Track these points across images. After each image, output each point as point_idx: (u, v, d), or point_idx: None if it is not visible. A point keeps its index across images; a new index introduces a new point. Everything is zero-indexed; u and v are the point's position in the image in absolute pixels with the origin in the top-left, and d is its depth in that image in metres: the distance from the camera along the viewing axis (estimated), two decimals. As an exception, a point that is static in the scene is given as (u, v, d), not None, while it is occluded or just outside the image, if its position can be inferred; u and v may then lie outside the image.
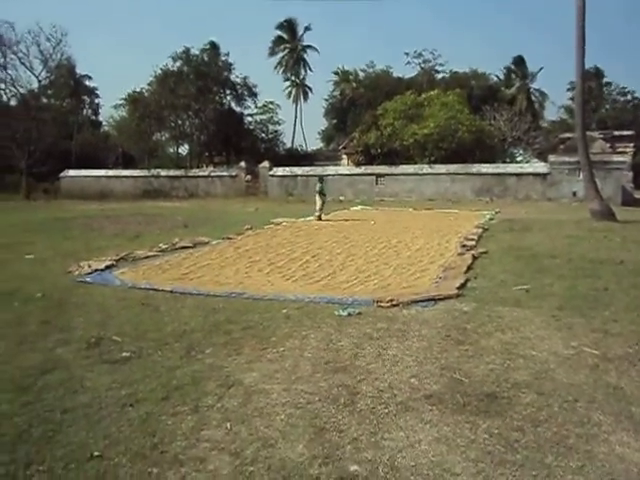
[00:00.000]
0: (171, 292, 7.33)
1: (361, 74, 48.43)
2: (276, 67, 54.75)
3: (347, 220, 18.13)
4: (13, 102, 38.41)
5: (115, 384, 4.17)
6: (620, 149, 32.29)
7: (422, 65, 46.37)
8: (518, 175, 29.25)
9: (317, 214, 18.22)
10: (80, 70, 47.48)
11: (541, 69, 52.31)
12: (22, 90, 37.12)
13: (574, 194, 26.64)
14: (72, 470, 3.01)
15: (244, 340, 5.24)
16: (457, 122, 31.63)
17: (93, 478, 2.95)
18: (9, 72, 35.80)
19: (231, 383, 4.18)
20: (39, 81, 37.26)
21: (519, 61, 52.64)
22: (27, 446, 3.26)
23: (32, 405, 3.81)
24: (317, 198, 18.64)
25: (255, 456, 3.13)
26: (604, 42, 73.79)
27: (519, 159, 37.91)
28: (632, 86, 55.21)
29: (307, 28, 53.39)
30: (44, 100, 40.80)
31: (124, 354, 4.84)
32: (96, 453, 3.16)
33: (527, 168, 30.20)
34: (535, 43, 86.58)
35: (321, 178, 20.35)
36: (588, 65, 38.93)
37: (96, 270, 8.82)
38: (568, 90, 48.86)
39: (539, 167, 29.62)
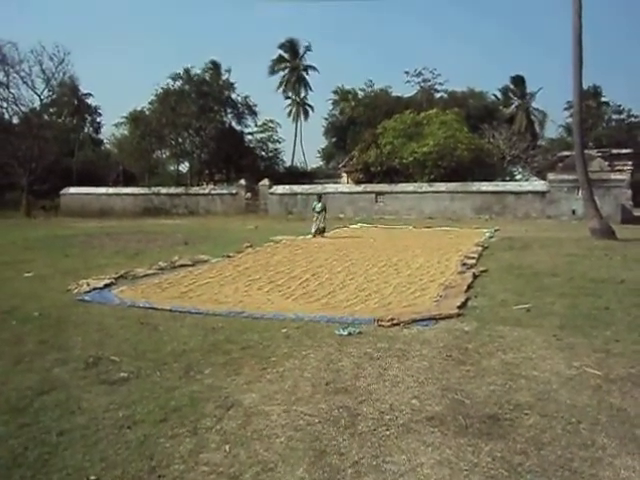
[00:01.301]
0: (170, 311, 7.29)
1: (360, 93, 48.86)
2: (279, 87, 55.47)
3: (347, 238, 18.14)
4: (15, 120, 38.67)
5: (113, 405, 4.12)
6: (619, 167, 32.47)
7: (422, 84, 46.80)
8: (517, 193, 29.34)
9: (313, 231, 18.28)
10: (82, 88, 47.96)
11: (540, 89, 53.00)
12: (24, 108, 37.41)
13: (573, 212, 26.71)
14: (68, 495, 2.95)
15: (243, 360, 5.19)
16: (456, 141, 31.85)
17: (89, 503, 2.90)
18: (11, 91, 36.09)
19: (230, 404, 4.13)
20: (41, 99, 37.55)
21: (518, 80, 53.21)
22: (22, 470, 3.20)
23: (28, 427, 3.76)
24: (318, 216, 18.66)
25: (254, 480, 3.07)
26: (604, 59, 74.85)
27: (518, 177, 38.12)
28: (631, 103, 55.66)
29: (307, 48, 54.24)
30: (46, 118, 41.06)
31: (122, 374, 4.79)
32: (93, 477, 3.10)
33: (526, 186, 30.31)
34: (534, 62, 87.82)
35: (320, 196, 20.40)
36: (587, 83, 39.35)
37: (95, 288, 8.78)
38: (565, 109, 49.36)
39: (538, 185, 29.74)
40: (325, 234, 18.47)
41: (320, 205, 19.01)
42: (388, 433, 3.63)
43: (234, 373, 4.83)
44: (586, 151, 22.42)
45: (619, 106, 51.13)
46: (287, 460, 3.29)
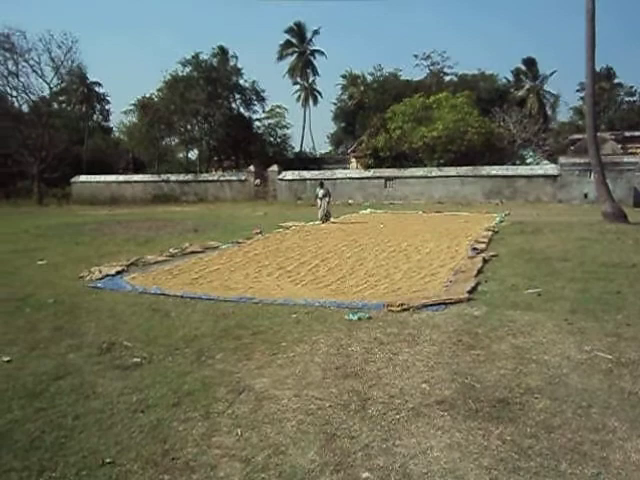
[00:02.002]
0: (181, 297, 7.36)
1: (369, 77, 48.48)
2: (287, 72, 55.05)
3: (356, 223, 18.11)
4: (25, 109, 38.88)
5: (126, 390, 4.19)
6: (631, 150, 32.05)
7: (430, 67, 46.31)
8: (528, 177, 29.08)
9: (320, 217, 18.23)
10: (90, 76, 48.01)
11: (554, 72, 51.91)
12: (34, 97, 37.61)
13: (585, 196, 26.45)
14: (84, 477, 3.01)
15: (254, 345, 5.24)
16: (466, 124, 31.57)
17: (105, 485, 2.96)
18: (21, 79, 36.29)
19: (242, 389, 4.18)
20: (50, 88, 37.72)
21: (529, 62, 52.35)
22: (40, 452, 3.27)
23: (45, 411, 3.83)
24: (321, 202, 18.61)
25: (266, 463, 3.12)
26: (618, 39, 73.33)
27: (529, 161, 37.71)
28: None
29: (316, 32, 53.73)
30: (55, 106, 41.21)
31: (135, 360, 4.86)
32: (108, 460, 3.16)
33: (537, 170, 30.02)
34: (546, 44, 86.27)
35: (322, 182, 20.31)
36: (600, 64, 38.62)
37: (107, 275, 8.87)
38: (578, 91, 48.66)
39: (549, 169, 29.44)
40: (331, 220, 18.39)
41: (322, 191, 18.84)
42: (398, 417, 3.65)
43: (245, 358, 4.88)
44: (598, 134, 22.13)
45: (631, 87, 50.34)
46: (298, 443, 3.33)
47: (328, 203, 18.70)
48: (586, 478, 2.92)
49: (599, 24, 16.92)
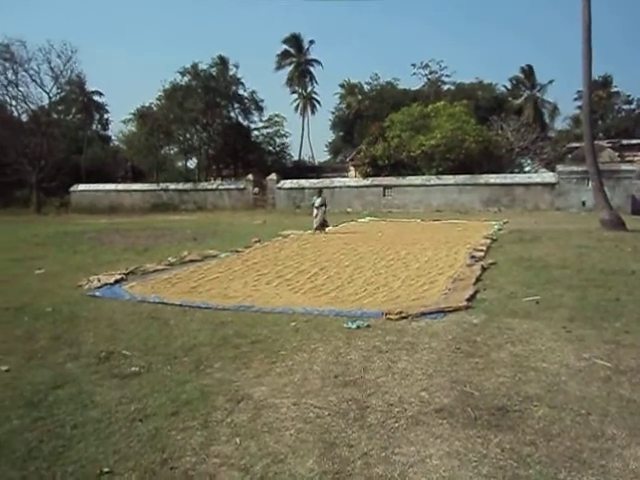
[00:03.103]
0: (180, 306, 7.35)
1: (366, 87, 48.72)
2: (286, 82, 55.40)
3: (355, 232, 18.12)
4: (24, 118, 38.97)
5: (125, 399, 4.18)
6: (629, 158, 32.17)
7: (428, 76, 46.55)
8: (526, 185, 29.15)
9: (315, 226, 18.02)
10: (90, 86, 48.11)
11: (551, 82, 52.08)
12: (33, 106, 37.73)
13: (583, 204, 26.50)
14: (82, 486, 3.01)
15: (253, 354, 5.23)
16: (464, 133, 31.63)
17: (103, 494, 2.95)
18: (20, 89, 36.46)
19: (240, 397, 4.17)
20: (50, 97, 37.85)
21: (527, 71, 52.63)
22: (38, 462, 3.26)
23: (43, 420, 3.82)
24: (317, 211, 18.46)
25: (265, 472, 3.11)
26: (616, 47, 73.88)
27: (527, 169, 37.81)
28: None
29: (311, 42, 54.12)
30: (54, 116, 41.33)
31: (133, 369, 4.85)
32: (106, 469, 3.15)
33: (535, 178, 30.10)
34: (542, 53, 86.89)
35: (320, 190, 20.18)
36: (597, 74, 38.81)
37: (106, 284, 8.87)
38: (575, 100, 48.87)
39: (547, 177, 29.51)
40: (327, 229, 18.10)
41: (320, 200, 18.64)
42: (397, 425, 3.65)
43: (244, 367, 4.87)
44: (596, 142, 22.24)
45: (629, 96, 50.56)
46: (297, 452, 3.32)
47: (324, 212, 18.54)
48: (585, 486, 2.91)
49: (597, 32, 17.10)
